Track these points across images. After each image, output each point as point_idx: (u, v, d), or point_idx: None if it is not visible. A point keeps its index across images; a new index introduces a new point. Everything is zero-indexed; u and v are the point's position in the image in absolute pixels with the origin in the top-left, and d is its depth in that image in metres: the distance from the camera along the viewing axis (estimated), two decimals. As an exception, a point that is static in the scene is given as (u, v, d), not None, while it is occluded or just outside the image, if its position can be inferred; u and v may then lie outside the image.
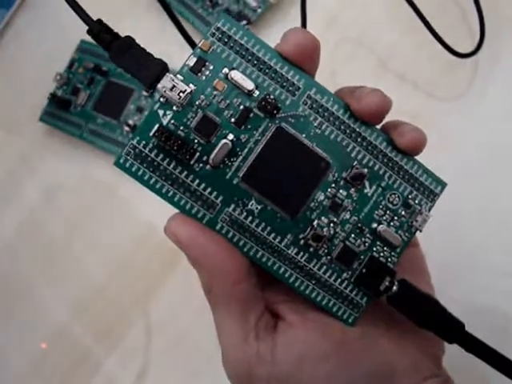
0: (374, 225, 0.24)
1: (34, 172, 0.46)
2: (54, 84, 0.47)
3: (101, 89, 0.45)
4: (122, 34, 0.41)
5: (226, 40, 0.22)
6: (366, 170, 0.23)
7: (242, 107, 0.22)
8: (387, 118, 0.24)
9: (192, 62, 0.22)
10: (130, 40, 0.22)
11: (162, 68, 0.21)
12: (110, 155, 0.44)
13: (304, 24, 0.37)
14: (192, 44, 0.29)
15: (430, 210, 0.24)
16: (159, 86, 0.22)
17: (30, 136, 0.47)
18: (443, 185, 0.25)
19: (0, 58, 0.51)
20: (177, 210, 0.23)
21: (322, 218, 0.23)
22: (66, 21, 0.51)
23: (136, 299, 0.42)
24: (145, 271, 0.42)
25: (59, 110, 0.45)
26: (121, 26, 0.45)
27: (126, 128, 0.43)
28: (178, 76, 0.22)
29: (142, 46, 0.22)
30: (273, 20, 0.45)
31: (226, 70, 0.22)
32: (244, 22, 0.43)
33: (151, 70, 0.21)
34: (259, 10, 0.44)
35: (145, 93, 0.43)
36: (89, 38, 0.41)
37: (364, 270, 0.23)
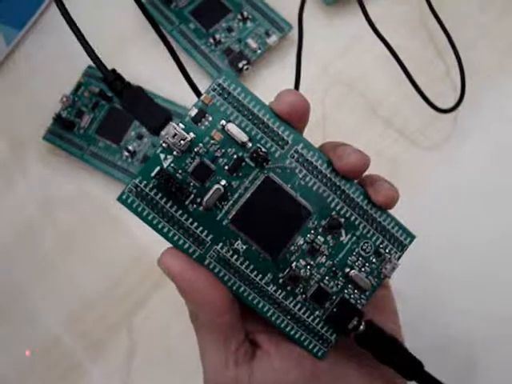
0: (347, 269, 0.26)
1: (34, 186, 0.49)
2: (60, 105, 0.49)
3: (104, 113, 0.47)
4: (128, 61, 0.44)
5: (225, 95, 0.25)
6: (342, 220, 0.26)
7: (235, 156, 0.25)
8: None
9: (193, 112, 0.25)
10: (139, 90, 0.24)
11: (166, 117, 0.24)
12: (108, 177, 0.46)
13: (299, 69, 0.40)
14: (192, 85, 0.31)
15: (398, 259, 0.27)
16: (162, 133, 0.24)
17: (32, 152, 0.49)
18: (412, 237, 0.27)
19: (9, 76, 0.54)
20: (170, 244, 0.25)
21: (300, 260, 0.26)
22: (75, 46, 0.53)
23: (124, 315, 0.44)
24: (134, 289, 0.44)
25: (63, 131, 0.48)
26: (128, 52, 0.48)
27: (126, 153, 0.45)
28: (180, 125, 0.25)
29: (147, 83, 0.25)
30: (271, 61, 0.47)
31: (223, 122, 0.25)
32: (244, 62, 0.46)
33: (156, 118, 0.24)
34: (259, 52, 0.46)
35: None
36: None
37: (335, 310, 0.26)
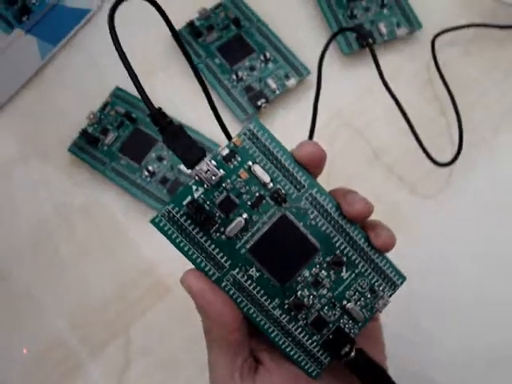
0: (344, 302, 0.30)
1: (54, 193, 0.52)
2: (87, 121, 0.53)
3: (128, 133, 0.51)
4: (156, 87, 0.47)
5: (254, 140, 0.29)
6: (344, 259, 0.30)
7: (257, 194, 0.29)
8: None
9: (225, 152, 0.29)
10: (180, 128, 0.28)
11: (201, 155, 0.28)
12: (126, 193, 0.50)
13: (315, 114, 0.44)
14: (221, 123, 0.35)
15: (390, 297, 0.31)
16: (197, 168, 0.28)
17: (56, 162, 0.53)
18: (403, 278, 0.31)
19: (40, 88, 0.57)
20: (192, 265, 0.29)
21: (305, 290, 0.29)
22: (106, 66, 0.57)
23: (126, 323, 0.47)
24: (139, 299, 0.48)
25: (87, 145, 0.51)
26: (155, 78, 0.52)
27: (146, 172, 0.49)
28: (213, 162, 0.28)
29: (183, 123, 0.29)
30: (288, 102, 0.51)
31: (250, 163, 0.29)
32: (263, 100, 0.50)
33: (193, 154, 0.28)
34: (277, 92, 0.50)
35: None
36: (124, 86, 0.48)
37: (331, 337, 0.29)
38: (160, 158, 0.49)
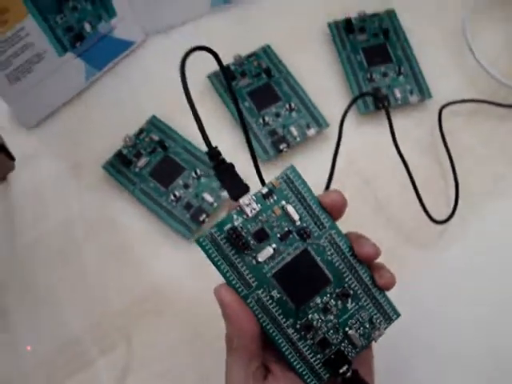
0: (347, 328, 0.35)
1: (85, 205, 0.57)
2: (122, 143, 0.58)
3: (159, 159, 0.57)
4: (188, 122, 0.53)
5: (289, 184, 0.34)
6: (351, 292, 0.35)
7: (286, 229, 0.34)
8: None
9: (264, 191, 0.34)
10: (231, 165, 0.34)
11: (245, 190, 0.33)
12: (151, 214, 0.55)
13: (334, 164, 0.50)
14: (258, 170, 0.40)
15: (385, 329, 0.36)
16: (240, 200, 0.33)
17: (89, 177, 0.58)
18: (398, 314, 0.36)
19: (81, 107, 0.63)
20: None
21: (315, 314, 0.35)
22: (144, 95, 0.63)
23: (135, 330, 0.52)
24: (148, 311, 0.53)
25: (121, 165, 0.57)
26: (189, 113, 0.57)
27: (172, 197, 0.54)
28: (253, 197, 0.34)
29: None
30: (307, 149, 0.57)
31: (283, 203, 0.34)
32: (284, 145, 0.55)
33: (238, 189, 0.33)
34: (298, 139, 0.56)
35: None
36: (159, 115, 0.54)
37: (332, 356, 0.35)
38: (186, 186, 0.55)
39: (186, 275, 0.53)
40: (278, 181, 0.34)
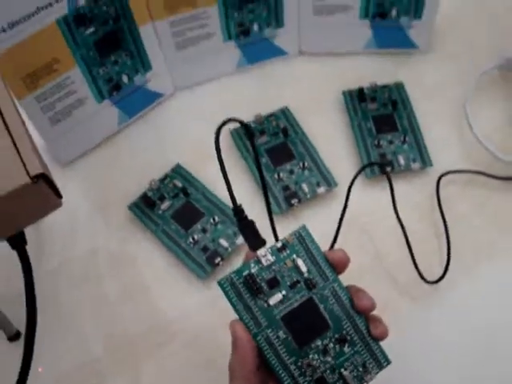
0: (342, 370, 0.40)
1: (110, 241, 0.63)
2: (148, 186, 0.64)
3: (181, 204, 0.62)
4: (207, 173, 0.58)
5: (301, 241, 0.40)
6: (348, 338, 0.40)
7: (295, 279, 0.40)
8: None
9: (279, 245, 0.40)
10: (252, 222, 0.39)
11: (262, 243, 0.39)
12: (170, 253, 0.60)
13: (341, 222, 0.56)
14: (273, 226, 0.46)
15: (376, 374, 0.41)
16: (258, 252, 0.39)
17: (116, 215, 0.64)
18: (389, 361, 0.42)
19: (112, 149, 0.69)
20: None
21: (315, 355, 0.40)
22: (170, 143, 0.69)
23: (145, 357, 0.57)
24: (159, 342, 0.58)
25: (145, 207, 0.63)
26: (209, 165, 0.63)
27: (191, 239, 0.60)
28: (269, 250, 0.40)
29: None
30: (315, 205, 0.63)
31: (294, 256, 0.40)
32: (296, 200, 0.61)
33: (257, 241, 0.39)
34: (308, 195, 0.62)
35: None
36: (183, 162, 0.59)
37: (327, 393, 0.40)
38: (204, 230, 0.60)
39: (198, 311, 0.58)
40: (291, 237, 0.40)
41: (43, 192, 0.40)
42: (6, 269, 0.56)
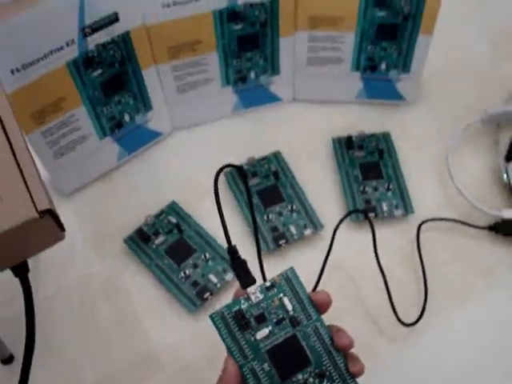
0: (321, 403, 0.44)
1: (104, 271, 0.66)
2: (143, 221, 0.67)
3: (174, 240, 0.66)
4: (202, 210, 0.62)
5: (288, 281, 0.43)
6: (327, 373, 0.44)
7: (281, 316, 0.43)
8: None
9: (267, 284, 0.43)
10: (244, 262, 0.43)
11: (253, 282, 0.42)
12: (162, 286, 0.63)
13: (324, 265, 0.59)
14: (261, 267, 0.49)
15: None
16: (248, 289, 0.42)
17: (111, 247, 0.67)
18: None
19: (110, 184, 0.72)
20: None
21: (296, 388, 0.43)
22: (166, 180, 0.72)
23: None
24: (151, 373, 0.61)
25: (140, 240, 0.66)
26: (204, 202, 0.66)
27: (182, 274, 0.63)
28: (258, 288, 0.43)
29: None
30: (301, 245, 0.66)
31: (281, 295, 0.43)
32: (283, 241, 0.65)
33: (248, 280, 0.42)
34: (295, 237, 0.65)
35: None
36: (178, 200, 0.63)
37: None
38: (196, 266, 0.64)
39: (186, 344, 0.61)
40: (279, 277, 0.43)
41: (49, 226, 0.43)
42: (1, 292, 0.59)
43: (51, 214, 0.42)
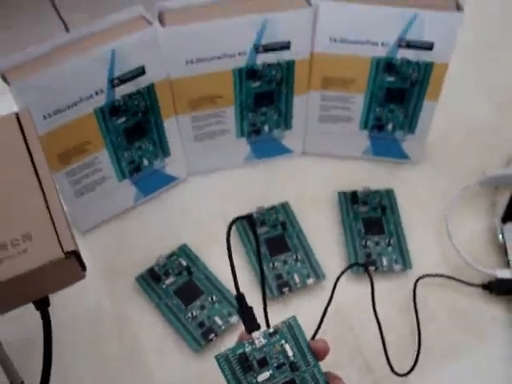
0: None
1: (115, 306, 0.69)
2: (155, 261, 0.71)
3: (184, 281, 0.69)
4: (212, 255, 0.65)
5: (290, 329, 0.47)
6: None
7: (281, 361, 0.46)
8: None
9: (271, 331, 0.47)
10: (251, 308, 0.46)
11: (257, 327, 0.46)
12: (170, 326, 0.67)
13: (324, 313, 0.62)
14: (264, 302, 0.53)
15: None
16: (252, 334, 0.46)
17: (123, 283, 0.71)
18: None
19: (124, 223, 0.76)
20: None
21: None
22: (179, 224, 0.76)
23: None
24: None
25: (151, 279, 0.70)
26: (213, 248, 0.70)
27: (190, 315, 0.66)
28: (262, 333, 0.46)
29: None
30: (306, 294, 0.70)
31: (283, 342, 0.47)
32: (286, 289, 0.68)
33: (253, 325, 0.46)
34: (298, 285, 0.69)
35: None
36: (190, 243, 0.67)
37: None
38: (203, 307, 0.67)
39: (189, 382, 0.64)
40: (282, 325, 0.47)
41: (72, 266, 0.46)
42: (18, 318, 0.62)
43: (76, 255, 0.45)
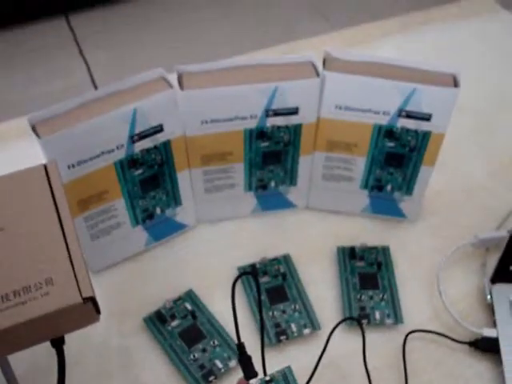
0: None
1: (121, 343, 0.74)
2: (162, 304, 0.76)
3: (188, 324, 0.74)
4: (216, 300, 0.70)
5: (284, 378, 0.52)
6: None
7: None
8: None
9: (267, 379, 0.51)
10: (250, 357, 0.51)
11: (255, 375, 0.51)
12: (172, 365, 0.71)
13: (319, 361, 0.67)
14: (262, 349, 0.57)
15: None
16: (250, 381, 0.51)
17: (130, 322, 0.76)
18: None
19: (134, 266, 0.81)
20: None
21: None
22: (187, 269, 0.81)
23: None
24: None
25: (157, 321, 0.74)
26: (218, 293, 0.75)
27: (192, 356, 0.71)
28: (259, 381, 0.51)
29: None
30: (302, 343, 0.74)
31: (277, 389, 0.51)
32: (284, 337, 0.73)
33: (251, 373, 0.51)
34: (295, 334, 0.73)
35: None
36: (196, 288, 0.73)
37: None
38: (204, 350, 0.72)
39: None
40: (277, 373, 0.52)
41: (88, 310, 0.50)
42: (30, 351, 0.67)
43: (92, 301, 0.50)
